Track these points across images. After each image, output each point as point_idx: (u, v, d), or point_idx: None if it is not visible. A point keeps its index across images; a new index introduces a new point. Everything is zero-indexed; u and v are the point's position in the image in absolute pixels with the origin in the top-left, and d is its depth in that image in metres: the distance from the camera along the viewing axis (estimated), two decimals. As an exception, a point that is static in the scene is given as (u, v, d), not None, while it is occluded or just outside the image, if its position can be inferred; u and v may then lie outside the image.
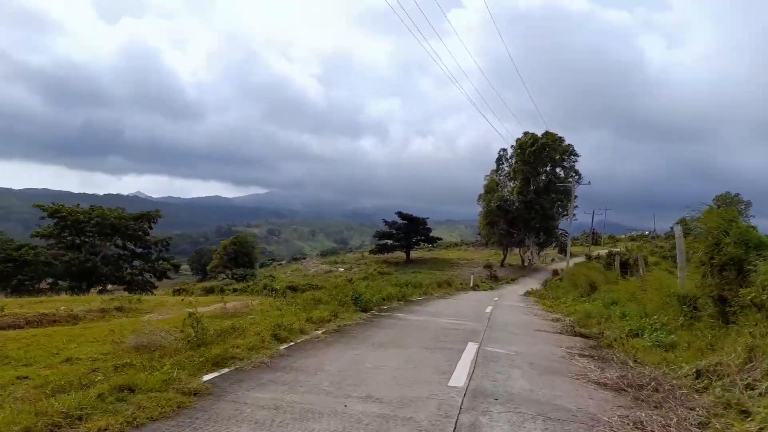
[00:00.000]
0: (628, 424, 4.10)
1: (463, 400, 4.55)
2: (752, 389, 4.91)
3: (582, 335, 9.80)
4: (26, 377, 5.61)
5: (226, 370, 5.31)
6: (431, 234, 67.83)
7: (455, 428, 3.75)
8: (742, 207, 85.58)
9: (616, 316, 11.79)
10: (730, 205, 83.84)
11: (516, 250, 58.72)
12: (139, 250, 56.76)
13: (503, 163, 57.41)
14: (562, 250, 68.28)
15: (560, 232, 61.02)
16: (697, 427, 4.11)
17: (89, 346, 7.67)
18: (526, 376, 5.87)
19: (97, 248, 47.33)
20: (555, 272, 41.95)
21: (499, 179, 56.70)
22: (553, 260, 64.41)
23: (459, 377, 5.45)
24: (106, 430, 3.38)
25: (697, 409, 4.60)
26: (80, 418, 3.55)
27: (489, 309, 14.72)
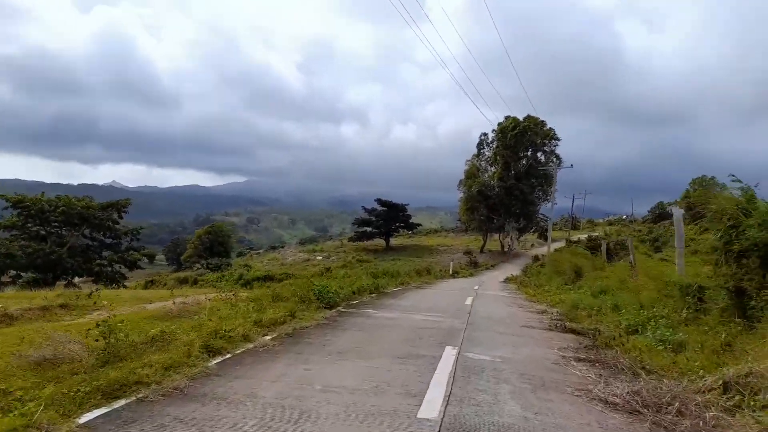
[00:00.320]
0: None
1: (435, 446, 3.32)
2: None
3: (573, 331, 8.69)
4: None
5: (121, 402, 3.97)
6: (411, 220, 66.82)
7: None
8: (719, 190, 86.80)
9: (607, 307, 10.74)
10: (706, 188, 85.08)
11: (496, 236, 58.11)
12: (108, 241, 54.68)
13: (484, 148, 56.47)
14: (542, 236, 67.97)
15: (540, 217, 60.57)
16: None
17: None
18: (517, 394, 4.67)
19: (64, 239, 45.15)
20: (536, 258, 41.29)
21: (480, 164, 55.82)
22: (532, 245, 64.06)
23: (432, 403, 4.20)
24: None
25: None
26: None
27: (469, 300, 13.57)
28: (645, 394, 4.70)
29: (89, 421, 3.55)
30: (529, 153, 53.86)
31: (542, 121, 53.54)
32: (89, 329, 5.50)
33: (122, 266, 56.31)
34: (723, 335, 6.64)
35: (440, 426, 3.66)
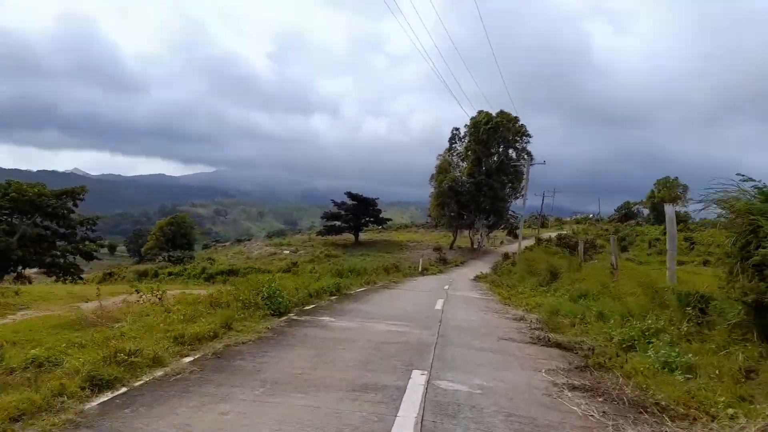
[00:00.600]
0: None
1: None
2: None
3: (559, 345, 7.57)
4: None
5: None
6: (381, 215, 65.67)
7: None
8: (681, 190, 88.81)
9: (592, 315, 9.72)
10: (670, 189, 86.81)
11: (465, 233, 57.54)
12: (62, 230, 51.58)
13: (456, 143, 55.71)
14: (511, 233, 67.87)
15: (511, 214, 60.29)
16: None
17: None
18: (507, 453, 3.43)
19: (14, 227, 42.13)
20: (506, 255, 40.67)
21: (452, 159, 55.07)
22: (502, 243, 63.82)
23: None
24: None
25: None
26: None
27: (440, 304, 12.37)
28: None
29: None
30: (500, 149, 53.40)
31: (515, 117, 53.14)
32: None
33: (75, 257, 53.22)
34: (740, 358, 5.62)
35: None
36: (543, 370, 5.98)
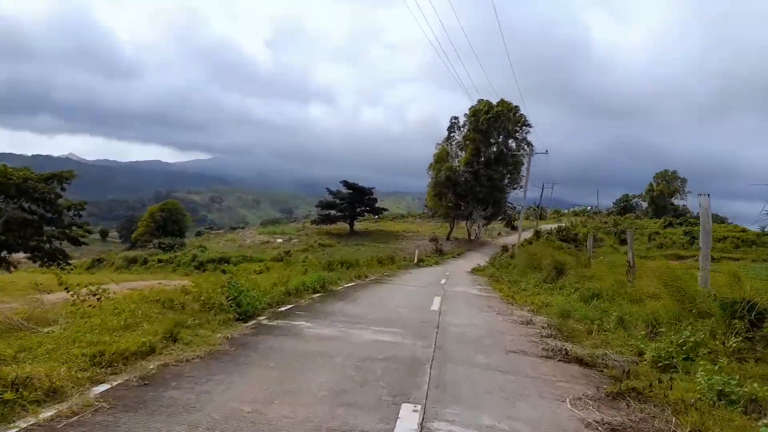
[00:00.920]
0: None
1: None
2: None
3: (580, 361, 6.30)
4: None
5: None
6: (377, 205, 64.28)
7: None
8: (679, 184, 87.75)
9: (611, 320, 8.46)
10: (669, 182, 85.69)
11: (462, 223, 56.33)
12: (50, 215, 50.28)
13: (455, 132, 54.27)
14: (509, 224, 66.62)
15: (509, 205, 59.03)
16: None
17: None
18: None
19: (1, 212, 40.77)
20: (504, 248, 39.43)
21: (450, 148, 53.66)
22: (499, 234, 62.62)
23: None
24: None
25: None
26: None
27: (436, 304, 11.07)
28: None
29: None
30: (500, 139, 52.01)
31: (516, 107, 51.67)
32: None
33: (61, 243, 51.84)
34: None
35: None
36: (568, 400, 4.70)
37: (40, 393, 3.55)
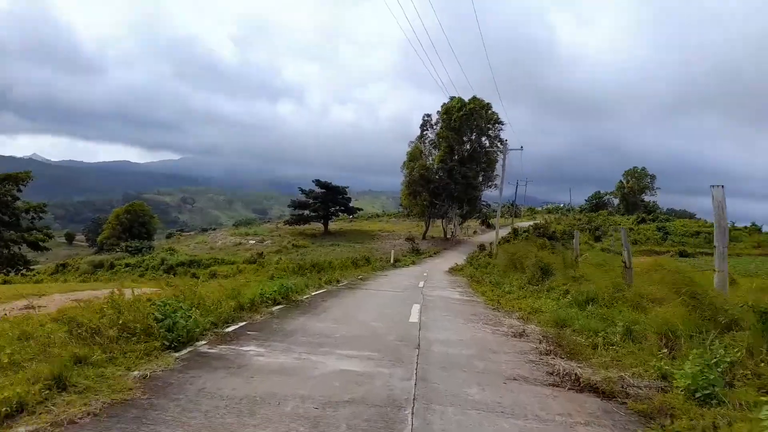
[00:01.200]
0: None
1: None
2: None
3: (594, 389, 5.11)
4: None
5: None
6: (352, 204, 62.90)
7: None
8: (648, 180, 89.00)
9: (617, 331, 7.32)
10: (639, 179, 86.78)
11: (438, 222, 55.49)
12: (6, 219, 47.37)
13: (427, 130, 53.35)
14: (484, 222, 66.09)
15: (484, 203, 58.45)
16: None
17: None
18: None
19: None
20: (481, 246, 38.60)
21: (424, 147, 52.71)
22: (475, 232, 62.04)
23: None
24: None
25: None
26: None
27: (416, 313, 9.84)
28: None
29: None
30: (473, 136, 51.32)
31: (488, 104, 51.10)
32: None
33: (20, 248, 48.86)
34: None
35: None
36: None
37: None
